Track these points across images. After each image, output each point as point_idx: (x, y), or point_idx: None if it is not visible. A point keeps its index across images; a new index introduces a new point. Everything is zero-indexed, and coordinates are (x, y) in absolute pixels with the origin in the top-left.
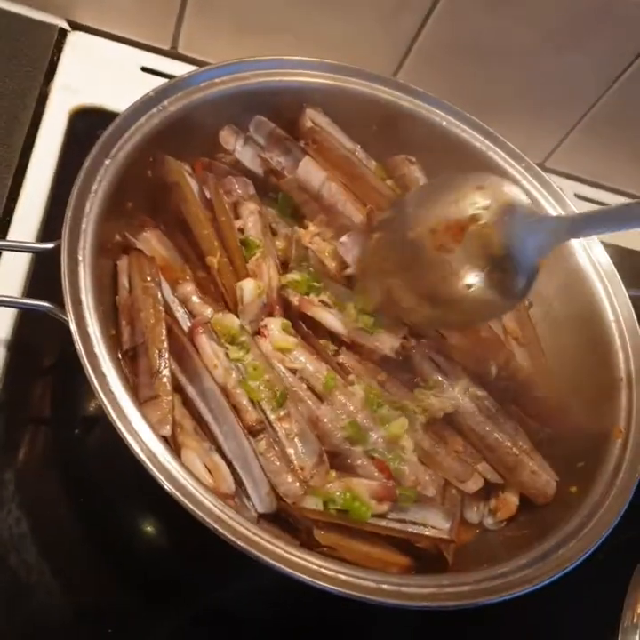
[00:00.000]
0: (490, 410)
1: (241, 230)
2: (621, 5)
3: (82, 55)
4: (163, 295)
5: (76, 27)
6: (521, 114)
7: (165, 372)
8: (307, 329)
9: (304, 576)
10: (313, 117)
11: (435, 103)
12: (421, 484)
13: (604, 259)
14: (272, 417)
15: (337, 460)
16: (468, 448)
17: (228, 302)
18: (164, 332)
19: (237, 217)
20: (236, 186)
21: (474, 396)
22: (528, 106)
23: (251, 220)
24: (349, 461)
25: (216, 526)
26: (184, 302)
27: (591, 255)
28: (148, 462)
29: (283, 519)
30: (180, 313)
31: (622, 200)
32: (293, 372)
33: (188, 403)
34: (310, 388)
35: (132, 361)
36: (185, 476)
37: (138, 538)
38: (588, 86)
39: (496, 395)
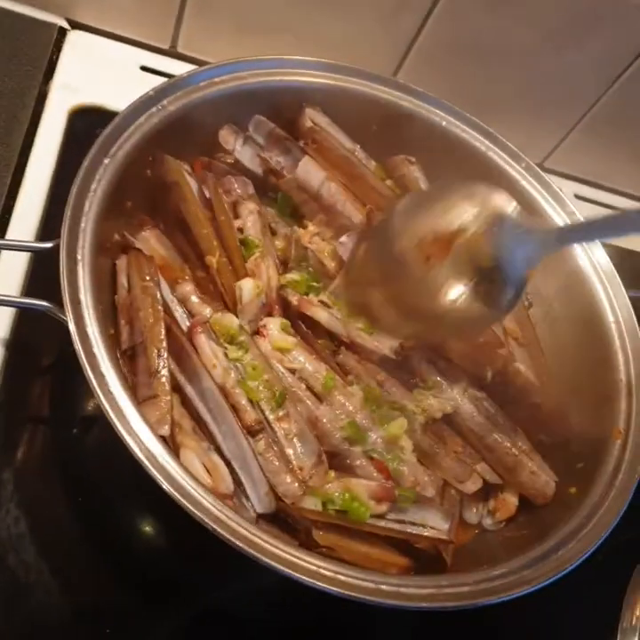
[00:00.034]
0: (489, 410)
1: (240, 230)
2: (621, 5)
3: (81, 54)
4: (162, 295)
5: (75, 26)
6: (521, 114)
7: (164, 371)
8: (306, 329)
9: (303, 577)
10: (312, 117)
11: (434, 103)
12: (420, 484)
13: (604, 260)
14: (271, 417)
15: (336, 461)
16: (466, 448)
17: (227, 302)
18: (163, 331)
19: (237, 216)
20: (236, 185)
21: (473, 397)
22: (528, 106)
23: (250, 219)
24: (348, 462)
25: (215, 526)
26: (183, 302)
27: (591, 256)
28: (146, 462)
29: (281, 519)
30: (178, 312)
31: (622, 200)
32: (292, 372)
33: (186, 402)
34: (309, 388)
35: (130, 360)
36: (183, 475)
37: (136, 537)
38: (587, 86)
39: (494, 398)
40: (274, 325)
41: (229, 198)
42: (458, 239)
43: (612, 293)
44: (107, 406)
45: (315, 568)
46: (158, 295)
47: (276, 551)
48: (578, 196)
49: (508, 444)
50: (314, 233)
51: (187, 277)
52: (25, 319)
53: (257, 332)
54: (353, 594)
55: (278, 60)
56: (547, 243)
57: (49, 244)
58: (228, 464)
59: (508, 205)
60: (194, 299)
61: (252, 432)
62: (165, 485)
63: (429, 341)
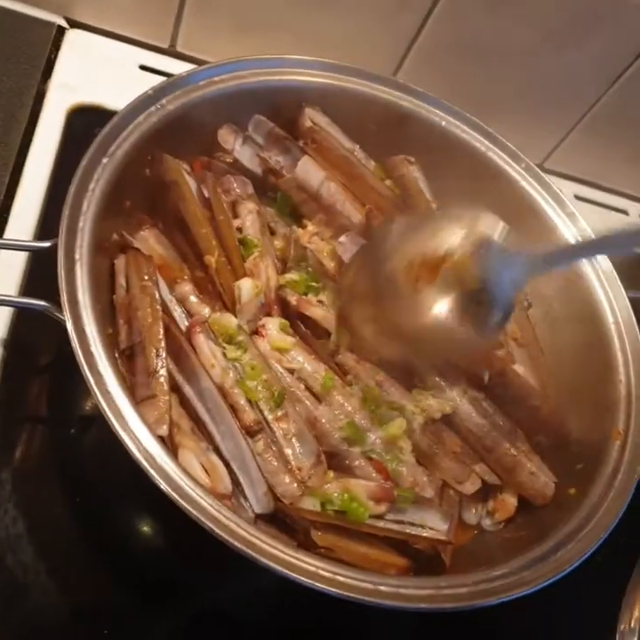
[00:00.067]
0: (487, 411)
1: (239, 229)
2: (621, 5)
3: (80, 53)
4: (160, 294)
5: (74, 24)
6: (520, 114)
7: (162, 371)
8: (305, 329)
9: (301, 577)
10: (312, 117)
11: (434, 103)
12: (419, 485)
13: (604, 260)
14: (270, 417)
15: (335, 461)
16: (465, 449)
17: (226, 302)
18: (162, 331)
19: (236, 216)
20: (235, 185)
21: (472, 398)
22: (528, 106)
23: (249, 219)
24: (347, 462)
25: (213, 527)
26: (182, 301)
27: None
28: (144, 462)
29: (280, 520)
30: (177, 312)
31: (622, 201)
32: (291, 372)
33: (185, 402)
34: (308, 388)
35: (128, 360)
36: (182, 476)
37: (134, 538)
38: (587, 86)
39: (493, 399)
40: (273, 325)
41: (228, 198)
42: (446, 262)
43: (611, 294)
44: (104, 406)
45: (313, 569)
46: (157, 295)
47: (275, 552)
48: (577, 197)
49: (507, 445)
50: (313, 233)
51: (185, 277)
52: (23, 319)
53: (256, 332)
54: (352, 595)
55: (278, 60)
56: (533, 265)
57: (47, 244)
58: (227, 464)
59: (496, 228)
60: (192, 298)
61: (250, 432)
62: (163, 485)
63: (416, 363)
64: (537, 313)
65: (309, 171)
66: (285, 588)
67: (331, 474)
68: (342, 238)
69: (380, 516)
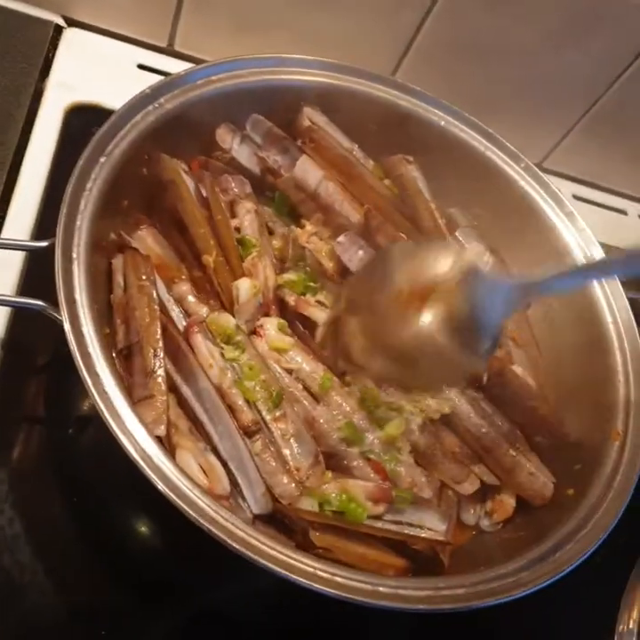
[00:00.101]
0: (486, 411)
1: (237, 229)
2: (621, 5)
3: (77, 52)
4: (158, 294)
5: (71, 23)
6: (519, 114)
7: (160, 371)
8: (303, 329)
9: (300, 578)
10: (310, 116)
11: (433, 103)
12: (417, 485)
13: None
14: (268, 417)
15: (333, 461)
16: (464, 449)
17: (224, 302)
18: (159, 331)
19: (234, 216)
20: (233, 184)
21: (470, 398)
22: (527, 106)
23: (247, 218)
24: (345, 462)
25: (211, 527)
26: (179, 301)
27: (590, 257)
28: (141, 462)
29: (278, 520)
30: (175, 312)
31: (620, 201)
32: (289, 372)
33: (182, 403)
34: (306, 388)
35: (126, 360)
36: (179, 476)
37: (132, 538)
38: (587, 86)
39: (492, 399)
40: (271, 325)
41: (226, 197)
42: (433, 291)
43: (610, 295)
44: (102, 406)
45: (312, 569)
46: (154, 294)
47: (273, 552)
48: (576, 197)
49: (506, 445)
50: (311, 232)
51: (183, 277)
52: (20, 318)
53: (254, 332)
54: (350, 596)
55: (276, 59)
56: (521, 293)
57: (44, 243)
58: (225, 465)
59: (482, 257)
60: (190, 298)
61: (248, 432)
62: (161, 486)
63: (409, 390)
64: (536, 313)
65: (307, 170)
66: (283, 589)
67: (329, 474)
68: (341, 238)
69: (378, 517)
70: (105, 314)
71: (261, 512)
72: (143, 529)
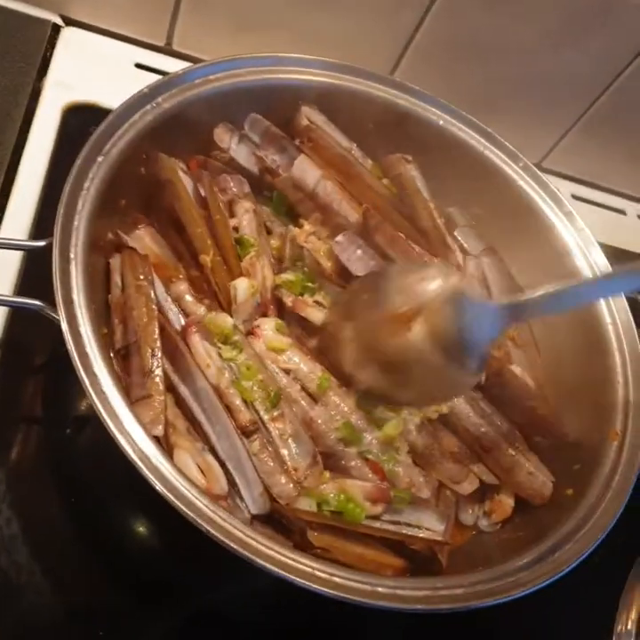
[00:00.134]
0: (485, 411)
1: (235, 229)
2: (620, 5)
3: (75, 51)
4: (156, 294)
5: (69, 22)
6: (518, 113)
7: (158, 371)
8: (301, 329)
9: (298, 579)
10: (309, 115)
11: (432, 102)
12: (416, 485)
13: (602, 261)
14: (266, 417)
15: (331, 462)
16: (463, 449)
17: (222, 301)
18: (157, 330)
19: (232, 215)
20: (231, 184)
21: (469, 398)
22: (526, 105)
23: (245, 218)
24: (343, 462)
25: (208, 528)
26: (177, 301)
27: (588, 257)
28: (139, 463)
29: (276, 520)
30: (172, 312)
31: (619, 200)
32: (287, 372)
33: (180, 402)
34: (304, 388)
35: (124, 360)
36: (177, 476)
37: (130, 538)
38: (586, 86)
39: (491, 399)
40: (268, 326)
41: (225, 197)
42: (421, 312)
43: None
44: (99, 406)
45: (310, 570)
46: (152, 294)
47: (271, 553)
48: (575, 196)
49: (505, 445)
50: (309, 232)
51: (181, 276)
52: (17, 318)
53: (251, 333)
54: (348, 596)
55: (274, 58)
56: (508, 315)
57: (42, 243)
58: (223, 465)
59: (468, 281)
60: (188, 298)
61: (246, 432)
62: (159, 486)
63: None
64: None
65: (306, 169)
66: (281, 589)
67: (327, 474)
68: (339, 237)
69: (376, 517)
70: (103, 314)
71: (259, 512)
72: (141, 529)
